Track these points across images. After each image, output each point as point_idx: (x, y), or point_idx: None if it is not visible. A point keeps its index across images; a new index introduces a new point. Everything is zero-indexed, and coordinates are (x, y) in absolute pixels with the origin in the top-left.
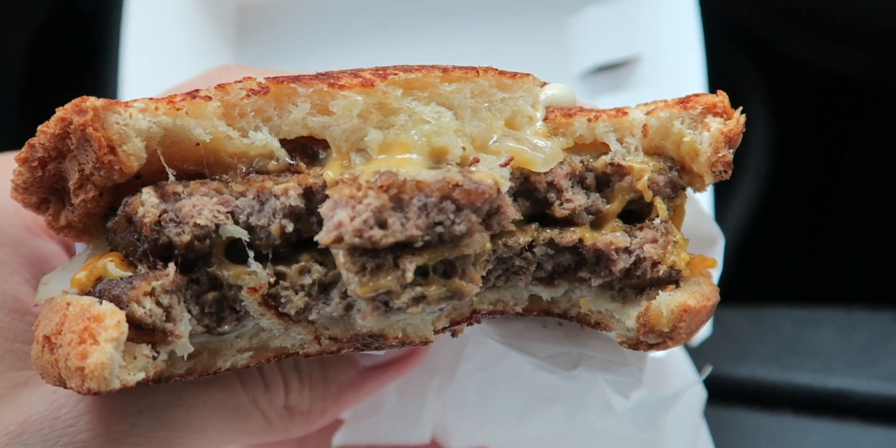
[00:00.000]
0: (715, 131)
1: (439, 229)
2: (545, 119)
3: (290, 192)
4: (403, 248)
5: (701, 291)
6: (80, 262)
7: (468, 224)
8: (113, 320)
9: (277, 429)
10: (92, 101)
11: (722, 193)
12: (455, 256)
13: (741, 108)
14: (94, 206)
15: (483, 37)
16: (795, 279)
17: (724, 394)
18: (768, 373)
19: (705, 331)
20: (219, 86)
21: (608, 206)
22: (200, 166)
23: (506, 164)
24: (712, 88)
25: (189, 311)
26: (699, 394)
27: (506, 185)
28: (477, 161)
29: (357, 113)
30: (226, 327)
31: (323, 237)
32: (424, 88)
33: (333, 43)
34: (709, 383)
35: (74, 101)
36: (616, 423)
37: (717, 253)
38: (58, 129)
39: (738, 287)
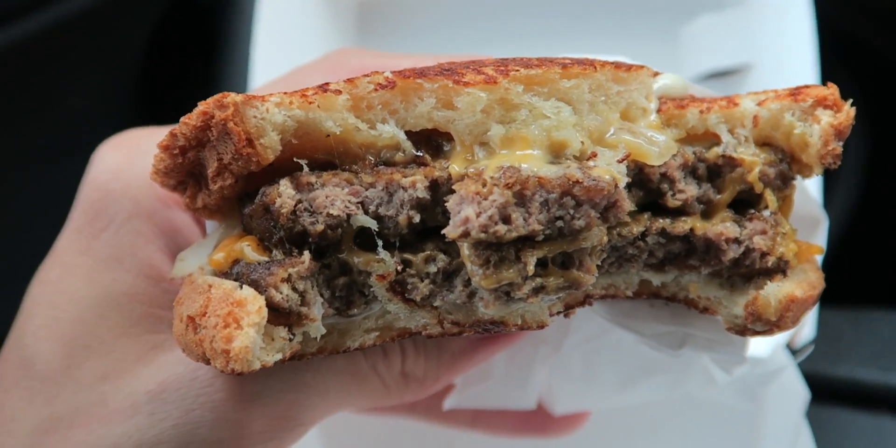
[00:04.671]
0: (825, 124)
1: (559, 224)
2: (658, 110)
3: (417, 184)
4: (525, 241)
5: (807, 280)
6: (213, 240)
7: (587, 219)
8: (255, 306)
9: (393, 393)
10: (233, 97)
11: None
12: (573, 249)
13: (851, 100)
14: (229, 192)
15: (594, 38)
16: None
17: (823, 393)
18: (866, 374)
19: (809, 334)
20: (348, 80)
21: (719, 196)
22: (330, 156)
23: (623, 160)
24: None
25: (321, 295)
26: (801, 386)
27: (623, 181)
28: (595, 155)
29: (480, 108)
30: (355, 310)
31: (450, 232)
32: (544, 84)
33: (447, 39)
34: (808, 383)
35: (216, 97)
36: (716, 393)
37: (822, 235)
38: (199, 122)
39: (838, 289)
